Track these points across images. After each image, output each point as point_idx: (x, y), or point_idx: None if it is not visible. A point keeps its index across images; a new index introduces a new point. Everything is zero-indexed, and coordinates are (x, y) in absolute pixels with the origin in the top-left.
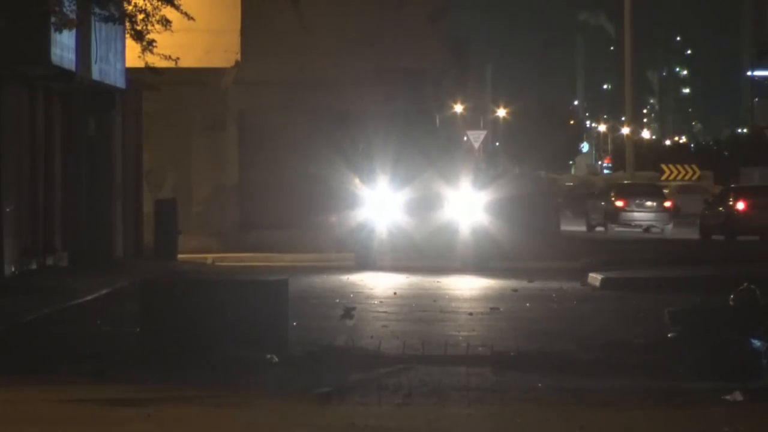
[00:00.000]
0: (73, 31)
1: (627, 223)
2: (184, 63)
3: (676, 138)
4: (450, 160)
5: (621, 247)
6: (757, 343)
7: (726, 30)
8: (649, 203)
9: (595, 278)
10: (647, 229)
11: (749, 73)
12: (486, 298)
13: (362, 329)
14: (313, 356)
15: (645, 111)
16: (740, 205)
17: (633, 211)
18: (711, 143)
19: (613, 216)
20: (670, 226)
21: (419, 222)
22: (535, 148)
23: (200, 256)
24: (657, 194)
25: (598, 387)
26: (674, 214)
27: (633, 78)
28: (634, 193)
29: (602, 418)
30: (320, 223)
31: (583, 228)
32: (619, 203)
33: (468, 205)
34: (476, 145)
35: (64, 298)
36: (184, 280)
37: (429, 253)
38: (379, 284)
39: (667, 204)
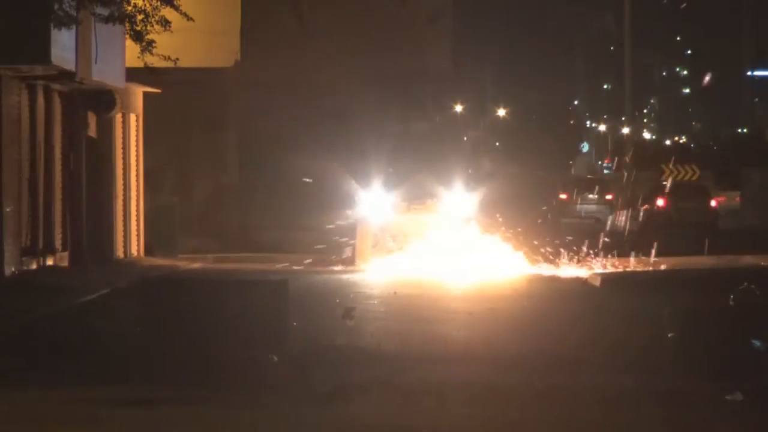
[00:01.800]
0: (73, 31)
1: (571, 215)
2: (184, 63)
3: (676, 138)
4: (449, 160)
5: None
6: (757, 343)
7: (726, 30)
8: (591, 196)
9: (595, 278)
10: (598, 220)
11: (749, 74)
12: (486, 298)
13: (362, 329)
14: (313, 356)
15: (645, 111)
16: (659, 202)
17: (577, 203)
18: (711, 143)
19: (560, 208)
20: (612, 217)
21: (418, 221)
22: (535, 147)
23: (200, 256)
24: (600, 187)
25: (598, 387)
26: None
27: (633, 78)
28: (578, 186)
29: (602, 418)
30: (319, 223)
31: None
32: (563, 196)
33: (466, 204)
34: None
35: (64, 298)
36: (184, 280)
37: (431, 252)
38: (379, 284)
39: (609, 197)
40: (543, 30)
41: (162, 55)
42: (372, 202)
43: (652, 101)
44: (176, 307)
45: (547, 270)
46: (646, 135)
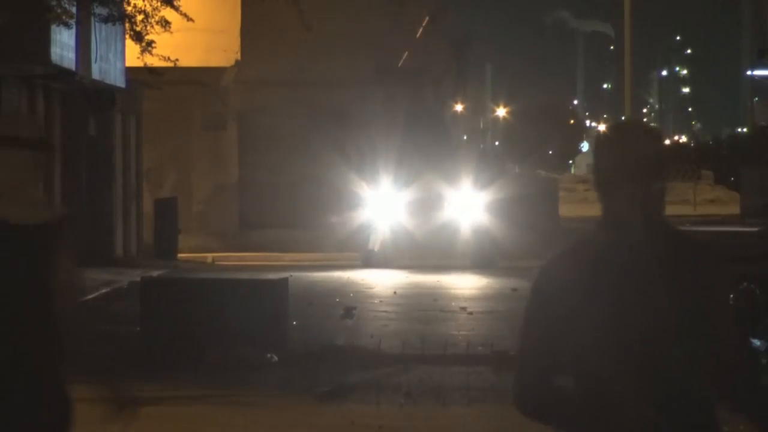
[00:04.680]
0: (73, 30)
1: None
2: (184, 63)
3: (676, 138)
4: (451, 159)
5: None
6: (757, 343)
7: (726, 30)
8: None
9: None
10: None
11: (749, 73)
12: (486, 297)
13: (362, 329)
14: (313, 356)
15: (645, 111)
16: None
17: None
18: (711, 143)
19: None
20: None
21: (421, 221)
22: (535, 148)
23: (200, 255)
24: None
25: None
26: None
27: (633, 78)
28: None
29: None
30: (320, 223)
31: None
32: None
33: (469, 204)
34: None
35: None
36: (184, 279)
37: (431, 252)
38: (380, 283)
39: None
40: (543, 29)
41: (162, 56)
42: (374, 202)
43: (651, 101)
44: (176, 307)
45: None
46: None
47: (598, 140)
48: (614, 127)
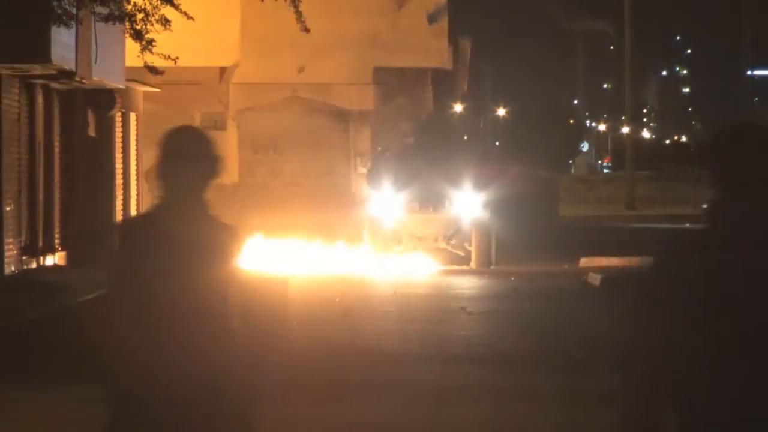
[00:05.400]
0: (73, 30)
1: None
2: (184, 63)
3: (676, 138)
4: (451, 159)
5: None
6: None
7: (726, 30)
8: None
9: (594, 277)
10: None
11: (749, 73)
12: (486, 297)
13: (362, 329)
14: (313, 356)
15: (645, 111)
16: None
17: None
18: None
19: None
20: None
21: (422, 220)
22: (535, 147)
23: None
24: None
25: (599, 386)
26: None
27: (633, 78)
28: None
29: (603, 418)
30: (322, 222)
31: None
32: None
33: (470, 203)
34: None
35: (63, 298)
36: None
37: (431, 252)
38: (380, 283)
39: None
40: (543, 29)
41: (162, 55)
42: (374, 202)
43: (651, 101)
44: None
45: (548, 270)
46: (646, 134)
47: (725, 137)
48: (743, 127)
